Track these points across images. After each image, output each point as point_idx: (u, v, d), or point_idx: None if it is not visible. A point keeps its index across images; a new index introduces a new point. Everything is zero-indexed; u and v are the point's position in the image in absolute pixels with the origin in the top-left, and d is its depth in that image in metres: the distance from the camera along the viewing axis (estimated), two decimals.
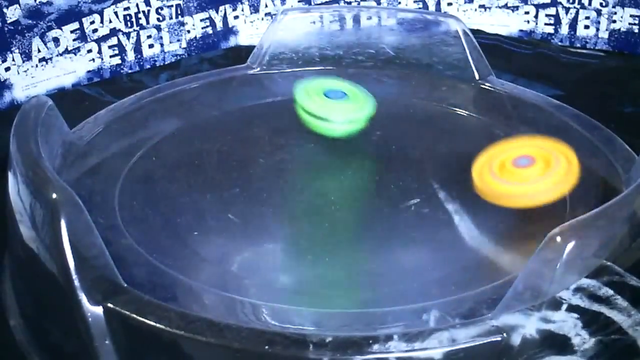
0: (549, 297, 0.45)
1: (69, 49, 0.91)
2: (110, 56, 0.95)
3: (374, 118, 0.70)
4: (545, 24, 1.03)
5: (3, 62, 0.87)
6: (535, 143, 0.61)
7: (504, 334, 0.44)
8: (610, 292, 0.47)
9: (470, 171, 0.62)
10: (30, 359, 0.53)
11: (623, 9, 0.99)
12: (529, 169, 0.58)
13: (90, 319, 0.46)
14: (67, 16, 0.90)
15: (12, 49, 0.87)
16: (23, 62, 0.89)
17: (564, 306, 0.46)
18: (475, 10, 1.04)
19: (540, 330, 0.45)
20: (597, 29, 1.01)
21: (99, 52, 0.94)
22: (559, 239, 0.45)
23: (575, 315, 0.46)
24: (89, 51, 0.93)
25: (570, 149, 0.60)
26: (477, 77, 0.79)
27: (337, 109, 0.68)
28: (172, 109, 0.75)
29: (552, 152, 0.59)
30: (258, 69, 0.82)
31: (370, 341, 0.43)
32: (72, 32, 0.91)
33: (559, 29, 1.03)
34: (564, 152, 0.60)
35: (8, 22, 0.86)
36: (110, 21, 0.93)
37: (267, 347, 0.44)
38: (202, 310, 0.49)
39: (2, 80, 0.88)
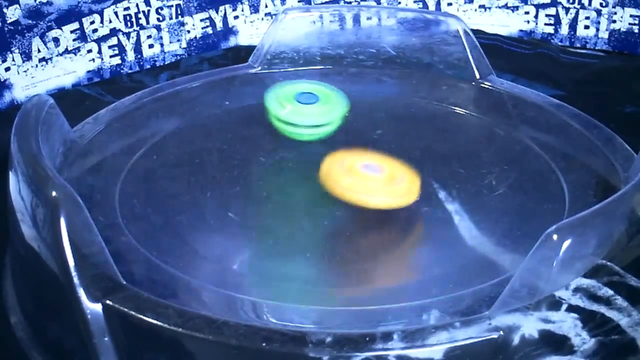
0: (546, 295, 0.45)
1: (69, 49, 0.91)
2: (110, 56, 0.95)
3: (371, 117, 0.70)
4: (545, 24, 1.03)
5: (3, 62, 0.87)
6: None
7: (501, 332, 0.44)
8: (610, 292, 0.47)
9: (471, 171, 0.62)
10: (30, 355, 0.53)
11: (623, 9, 0.99)
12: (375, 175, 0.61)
13: (89, 316, 0.46)
14: (67, 16, 0.90)
15: (12, 49, 0.88)
16: (23, 62, 0.89)
17: (564, 306, 0.46)
18: (475, 10, 1.04)
19: (540, 330, 0.45)
20: (597, 29, 1.01)
21: (99, 52, 0.94)
22: (555, 236, 0.45)
23: (575, 315, 0.46)
24: (89, 51, 0.93)
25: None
26: (477, 76, 0.79)
27: (307, 114, 0.69)
28: (172, 108, 0.75)
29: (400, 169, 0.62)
30: (259, 68, 0.82)
31: (369, 339, 0.44)
32: (72, 32, 0.91)
33: (559, 29, 1.03)
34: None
35: (8, 22, 0.86)
36: (110, 21, 0.93)
37: (265, 344, 0.44)
38: (201, 307, 0.49)
39: (2, 80, 0.88)
